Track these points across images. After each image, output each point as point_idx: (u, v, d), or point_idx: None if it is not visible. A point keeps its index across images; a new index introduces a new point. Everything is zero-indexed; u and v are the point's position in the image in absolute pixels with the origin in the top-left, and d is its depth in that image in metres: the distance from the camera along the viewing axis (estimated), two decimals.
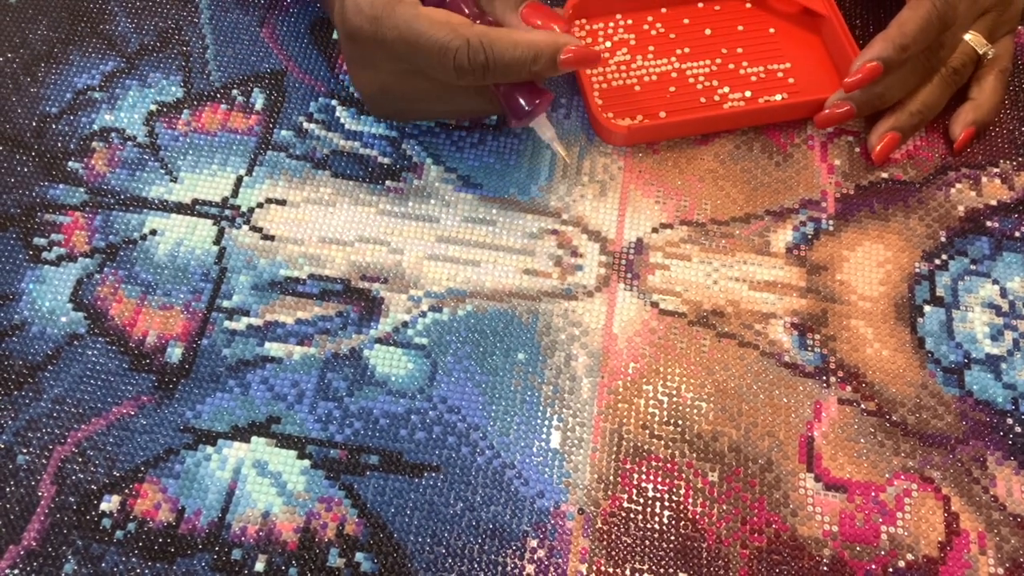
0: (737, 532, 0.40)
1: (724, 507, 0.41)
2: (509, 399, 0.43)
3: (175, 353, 0.43)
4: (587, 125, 0.50)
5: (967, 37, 0.49)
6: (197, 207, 0.47)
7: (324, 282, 0.45)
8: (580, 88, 0.50)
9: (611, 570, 0.39)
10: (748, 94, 0.50)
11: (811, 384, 0.44)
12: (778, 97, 0.50)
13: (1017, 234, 0.48)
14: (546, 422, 0.42)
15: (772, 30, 0.53)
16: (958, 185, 0.49)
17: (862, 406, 0.43)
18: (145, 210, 0.47)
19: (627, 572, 0.39)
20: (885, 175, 0.49)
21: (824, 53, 0.52)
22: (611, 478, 0.41)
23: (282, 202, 0.47)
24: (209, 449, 0.41)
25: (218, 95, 0.50)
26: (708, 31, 0.52)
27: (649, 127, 0.49)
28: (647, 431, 0.42)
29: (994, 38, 0.49)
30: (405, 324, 0.44)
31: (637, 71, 0.51)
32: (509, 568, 0.39)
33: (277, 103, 0.50)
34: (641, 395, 0.43)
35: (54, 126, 0.49)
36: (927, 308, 0.46)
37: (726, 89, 0.50)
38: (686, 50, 0.52)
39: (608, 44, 0.52)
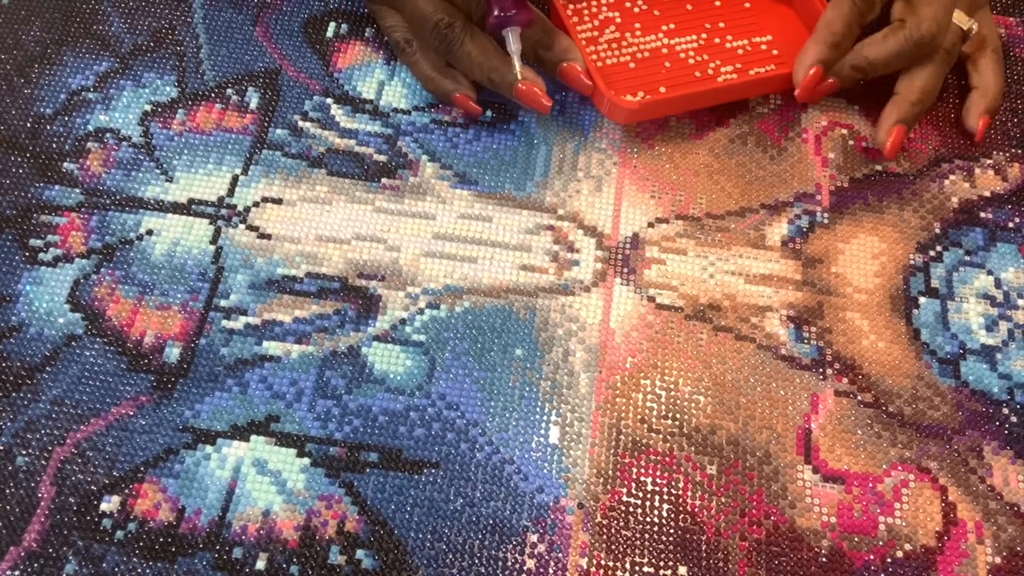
0: (736, 524, 0.40)
1: (723, 500, 0.41)
2: (507, 395, 0.43)
3: (173, 353, 0.43)
4: (581, 120, 0.50)
5: None
6: (193, 207, 0.47)
7: (321, 280, 0.45)
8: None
9: (611, 563, 0.39)
10: (739, 66, 0.50)
11: (808, 376, 0.44)
12: (765, 69, 0.50)
13: (1011, 225, 0.48)
14: (544, 417, 0.42)
15: (747, 4, 0.53)
16: (952, 177, 0.50)
17: (859, 398, 0.43)
18: (141, 210, 0.47)
19: (627, 565, 0.39)
20: (879, 168, 0.50)
21: (800, 24, 0.52)
22: (610, 472, 0.41)
23: (278, 201, 0.47)
24: (208, 448, 0.41)
25: (213, 94, 0.50)
26: (689, 7, 0.53)
27: (658, 102, 0.48)
28: (645, 425, 0.42)
29: (972, 12, 0.50)
30: (403, 321, 0.44)
31: (628, 49, 0.51)
32: (510, 563, 0.39)
33: (272, 102, 0.50)
34: (639, 389, 0.43)
35: (49, 127, 0.48)
36: (922, 299, 0.46)
37: (717, 62, 0.50)
38: (672, 26, 0.52)
39: (595, 23, 0.51)
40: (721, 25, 0.52)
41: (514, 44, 0.46)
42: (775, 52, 0.51)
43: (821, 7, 0.50)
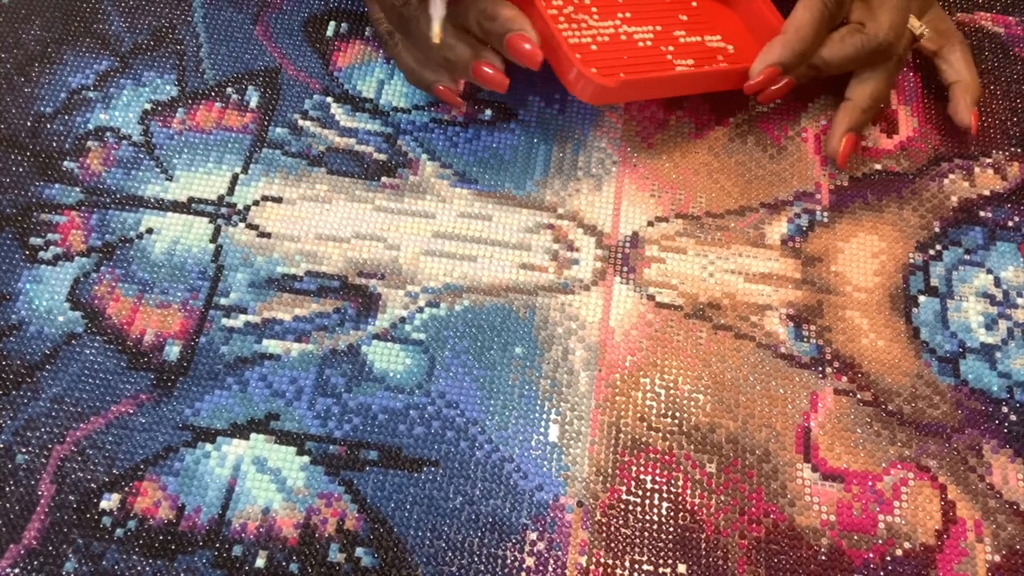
0: (735, 523, 0.40)
1: (722, 498, 0.41)
2: (507, 393, 0.43)
3: (173, 351, 0.43)
4: (581, 119, 0.50)
5: None
6: (193, 205, 0.47)
7: (321, 279, 0.45)
8: (552, 41, 0.45)
9: (610, 562, 0.39)
10: (708, 57, 0.49)
11: (807, 375, 0.44)
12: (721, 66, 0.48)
13: (1010, 224, 0.48)
14: (544, 416, 0.42)
15: (694, 3, 0.52)
16: (951, 176, 0.50)
17: (858, 396, 0.43)
18: (141, 209, 0.47)
19: (626, 564, 0.39)
20: (879, 166, 0.50)
21: (743, 27, 0.51)
22: (609, 470, 0.41)
23: (278, 199, 0.47)
24: (208, 446, 0.41)
25: (212, 93, 0.50)
26: None
27: (635, 82, 0.45)
28: (645, 423, 0.42)
29: (922, 14, 0.50)
30: (403, 320, 0.44)
31: (588, 31, 0.48)
32: (509, 561, 0.39)
33: (272, 100, 0.50)
34: (638, 388, 0.43)
35: (49, 126, 0.49)
36: (922, 298, 0.46)
37: (686, 59, 0.48)
38: (627, 15, 0.49)
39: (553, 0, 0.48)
40: (683, 17, 0.50)
41: (438, 9, 0.41)
42: (730, 49, 0.50)
43: (767, 11, 0.49)
